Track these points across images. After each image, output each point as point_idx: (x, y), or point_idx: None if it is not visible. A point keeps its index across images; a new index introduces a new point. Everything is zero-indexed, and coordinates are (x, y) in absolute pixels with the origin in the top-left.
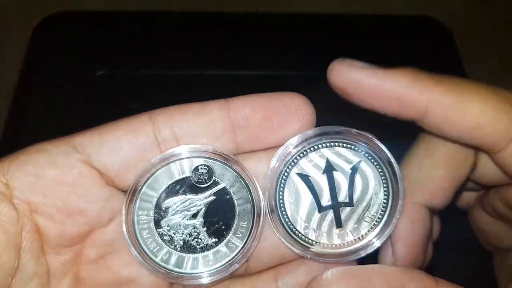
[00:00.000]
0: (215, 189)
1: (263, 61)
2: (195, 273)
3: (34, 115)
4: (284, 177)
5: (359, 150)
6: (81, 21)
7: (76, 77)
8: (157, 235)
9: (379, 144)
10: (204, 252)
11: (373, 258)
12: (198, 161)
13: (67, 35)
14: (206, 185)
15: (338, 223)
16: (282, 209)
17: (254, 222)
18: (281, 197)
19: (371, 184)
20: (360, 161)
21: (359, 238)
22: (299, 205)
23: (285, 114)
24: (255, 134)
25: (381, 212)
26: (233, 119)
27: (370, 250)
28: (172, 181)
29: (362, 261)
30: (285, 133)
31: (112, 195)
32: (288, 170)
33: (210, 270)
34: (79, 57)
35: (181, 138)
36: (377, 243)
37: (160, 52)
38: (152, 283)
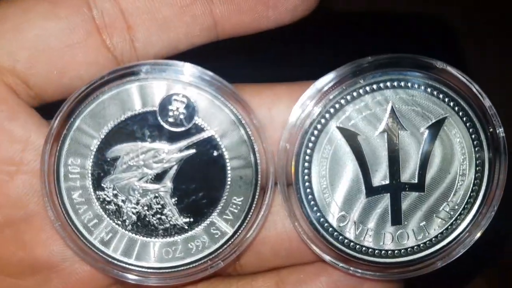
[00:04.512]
0: (196, 137)
1: (264, 60)
2: (151, 268)
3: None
4: (315, 132)
5: (444, 98)
6: None
7: None
8: (95, 200)
9: (474, 89)
10: (170, 236)
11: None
12: (174, 88)
13: None
14: (182, 129)
15: (396, 217)
16: (307, 183)
17: (256, 198)
18: (306, 164)
19: (457, 155)
20: (445, 116)
21: (424, 244)
22: (334, 181)
23: None
24: (239, 6)
25: (466, 205)
26: None
27: (440, 264)
28: (128, 115)
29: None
30: (279, 10)
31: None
32: (324, 120)
33: (177, 268)
34: None
35: (131, 15)
36: (452, 255)
37: None
38: (85, 274)
